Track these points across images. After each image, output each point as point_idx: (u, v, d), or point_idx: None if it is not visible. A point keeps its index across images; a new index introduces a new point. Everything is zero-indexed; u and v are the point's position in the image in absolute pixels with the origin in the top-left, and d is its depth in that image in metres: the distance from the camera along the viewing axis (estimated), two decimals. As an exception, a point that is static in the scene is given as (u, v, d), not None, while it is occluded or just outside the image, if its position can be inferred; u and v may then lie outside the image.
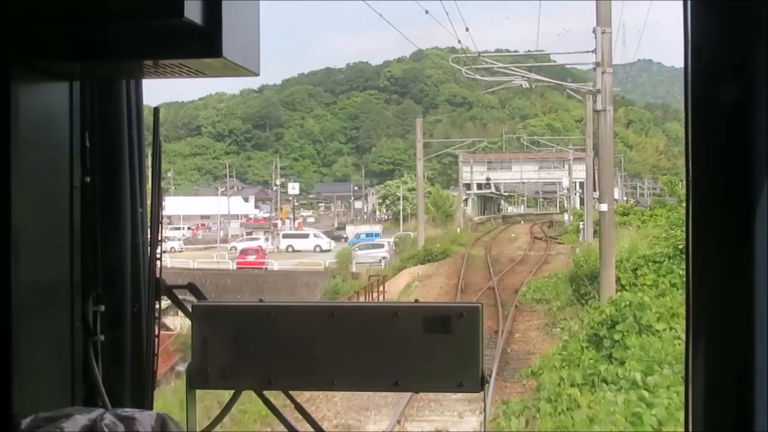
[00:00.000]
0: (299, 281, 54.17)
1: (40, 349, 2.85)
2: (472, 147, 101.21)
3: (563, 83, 38.26)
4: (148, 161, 3.36)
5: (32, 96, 2.77)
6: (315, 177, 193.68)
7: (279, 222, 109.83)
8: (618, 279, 25.83)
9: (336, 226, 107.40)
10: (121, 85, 3.17)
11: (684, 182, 1.98)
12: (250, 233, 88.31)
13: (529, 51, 61.71)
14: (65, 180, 2.97)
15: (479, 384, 3.11)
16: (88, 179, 3.06)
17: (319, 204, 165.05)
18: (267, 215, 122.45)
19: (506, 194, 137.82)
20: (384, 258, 56.85)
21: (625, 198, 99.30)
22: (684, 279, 2.36)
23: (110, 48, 2.58)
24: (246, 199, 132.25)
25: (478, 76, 36.43)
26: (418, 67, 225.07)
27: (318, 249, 74.65)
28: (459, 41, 38.41)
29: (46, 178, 2.91)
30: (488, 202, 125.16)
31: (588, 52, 26.86)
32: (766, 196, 1.87)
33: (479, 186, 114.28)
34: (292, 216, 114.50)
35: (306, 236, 76.59)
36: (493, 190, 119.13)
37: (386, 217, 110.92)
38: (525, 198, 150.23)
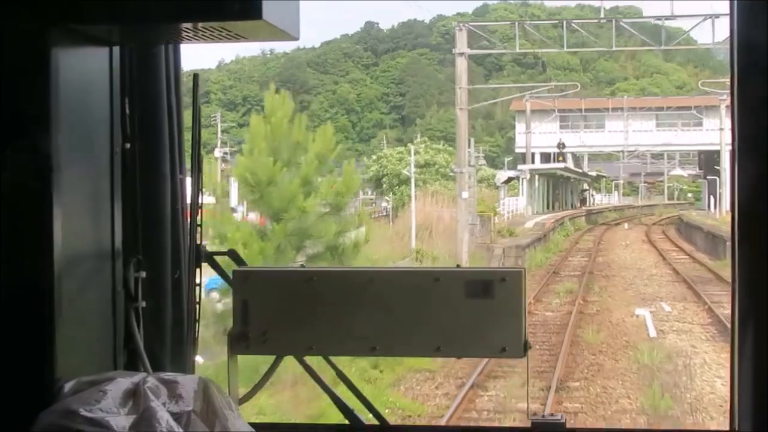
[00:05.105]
0: None
1: (83, 315, 2.90)
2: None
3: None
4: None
5: (71, 61, 2.76)
6: (349, 156, 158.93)
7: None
8: None
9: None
10: (160, 50, 3.15)
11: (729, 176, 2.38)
12: None
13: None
14: (105, 146, 2.99)
15: (522, 349, 3.09)
16: (128, 145, 3.07)
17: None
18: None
19: (593, 174, 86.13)
20: None
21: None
22: (730, 277, 2.36)
23: (149, 11, 2.57)
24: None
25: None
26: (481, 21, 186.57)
27: None
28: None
29: (86, 143, 2.92)
30: (560, 186, 72.97)
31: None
32: None
33: (545, 158, 66.72)
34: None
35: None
36: (569, 164, 67.22)
37: (384, 212, 65.89)
38: (620, 182, 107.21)
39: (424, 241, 33.75)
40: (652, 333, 21.51)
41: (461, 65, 38.09)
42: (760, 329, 1.99)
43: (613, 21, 37.05)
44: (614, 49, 39.99)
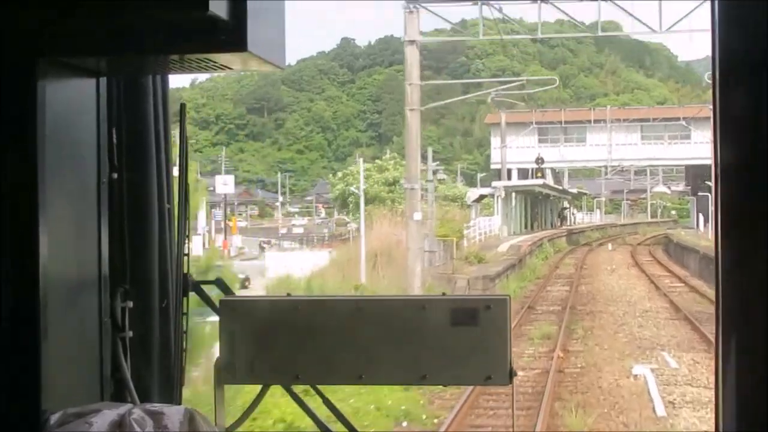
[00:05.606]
0: None
1: (69, 345, 2.91)
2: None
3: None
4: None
5: (59, 92, 2.81)
6: (325, 174, 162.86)
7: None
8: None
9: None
10: (147, 80, 3.22)
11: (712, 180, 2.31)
12: None
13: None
14: (92, 176, 3.03)
15: (507, 377, 3.11)
16: (115, 175, 3.11)
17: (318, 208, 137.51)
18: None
19: (574, 191, 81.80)
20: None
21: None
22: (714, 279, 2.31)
23: (136, 43, 2.62)
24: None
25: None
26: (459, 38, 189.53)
27: None
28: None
29: (73, 174, 2.96)
30: (539, 204, 68.53)
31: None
32: None
33: (522, 174, 63.51)
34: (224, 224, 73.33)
35: None
36: (549, 181, 62.78)
37: (349, 233, 63.99)
38: (602, 199, 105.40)
39: (373, 271, 28.26)
40: (660, 409, 15.64)
41: (412, 55, 32.36)
42: (743, 333, 2.01)
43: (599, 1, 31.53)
44: (600, 34, 34.96)
